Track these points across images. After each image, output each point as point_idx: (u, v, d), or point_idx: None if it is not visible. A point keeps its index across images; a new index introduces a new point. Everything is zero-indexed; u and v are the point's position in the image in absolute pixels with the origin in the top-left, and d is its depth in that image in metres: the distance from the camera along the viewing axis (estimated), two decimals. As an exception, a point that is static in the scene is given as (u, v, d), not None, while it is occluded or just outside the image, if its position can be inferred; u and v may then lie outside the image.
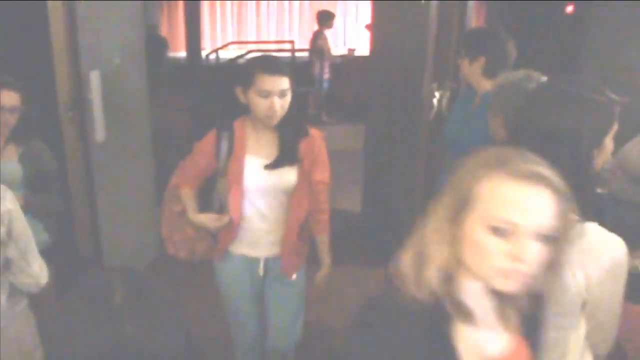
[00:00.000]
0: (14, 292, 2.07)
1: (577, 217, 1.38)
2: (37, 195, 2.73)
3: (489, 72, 2.83)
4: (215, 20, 15.03)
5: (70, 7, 3.64)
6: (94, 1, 3.72)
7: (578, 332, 1.56)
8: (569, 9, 8.58)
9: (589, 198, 1.50)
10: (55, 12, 3.88)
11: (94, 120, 3.81)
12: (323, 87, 8.48)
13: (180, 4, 13.25)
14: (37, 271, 2.05)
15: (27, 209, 2.64)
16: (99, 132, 3.86)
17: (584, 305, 1.51)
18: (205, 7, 14.28)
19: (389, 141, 4.77)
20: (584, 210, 1.43)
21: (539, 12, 9.02)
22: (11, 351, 2.08)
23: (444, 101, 4.23)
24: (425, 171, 4.35)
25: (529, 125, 1.55)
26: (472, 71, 2.87)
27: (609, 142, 1.52)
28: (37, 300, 2.83)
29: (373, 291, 4.29)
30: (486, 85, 2.85)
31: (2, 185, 1.95)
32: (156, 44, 9.61)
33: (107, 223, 4.02)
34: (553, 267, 1.17)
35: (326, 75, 8.42)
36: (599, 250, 1.47)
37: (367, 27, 8.74)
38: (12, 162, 2.71)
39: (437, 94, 4.31)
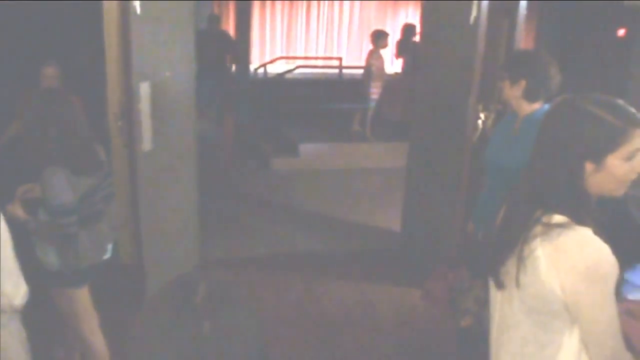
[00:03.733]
0: None
1: (567, 220, 1.53)
2: (52, 220, 2.69)
3: (530, 95, 2.80)
4: (265, 35, 15.24)
5: (124, 21, 3.76)
6: (148, 16, 3.81)
7: (571, 338, 1.60)
8: (621, 32, 8.45)
9: (577, 204, 1.57)
10: (110, 26, 4.02)
11: (142, 130, 3.90)
12: (371, 106, 8.51)
13: (232, 18, 13.52)
14: (9, 291, 1.98)
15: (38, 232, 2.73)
16: (146, 142, 3.95)
17: (566, 307, 1.55)
18: (255, 22, 14.51)
19: (432, 161, 4.75)
20: (574, 214, 1.54)
21: (590, 35, 8.92)
22: None
23: (489, 123, 4.21)
24: (467, 192, 4.32)
25: (540, 132, 1.68)
26: (514, 94, 2.84)
27: (613, 162, 1.55)
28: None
29: (411, 311, 4.27)
30: (527, 108, 2.83)
31: None
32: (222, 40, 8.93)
33: (149, 230, 4.09)
34: None
35: (375, 95, 8.45)
36: (574, 253, 1.51)
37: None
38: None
39: (482, 116, 4.28)
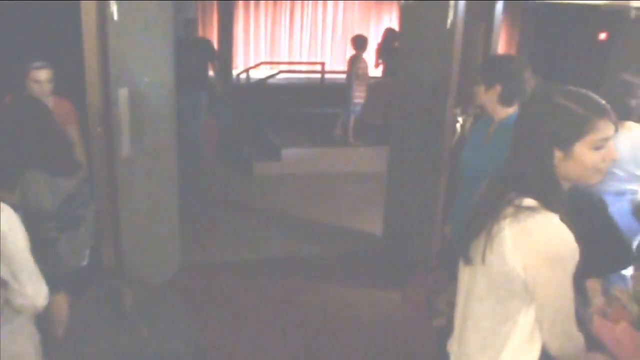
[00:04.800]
0: (9, 309, 2.07)
1: (536, 204, 1.61)
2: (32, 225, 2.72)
3: (505, 100, 2.82)
4: (248, 40, 15.24)
5: (102, 27, 3.75)
6: (126, 22, 3.81)
7: (526, 317, 1.70)
8: (602, 36, 8.55)
9: (546, 191, 1.65)
10: (89, 31, 4.01)
11: (121, 135, 3.90)
12: (355, 110, 8.56)
13: (215, 24, 13.54)
14: (30, 293, 2.04)
15: None
16: (125, 147, 3.94)
17: (526, 287, 1.64)
18: (239, 27, 14.51)
19: (412, 165, 4.78)
20: (544, 199, 1.62)
21: (573, 39, 9.01)
22: None
23: (467, 126, 4.24)
24: (446, 196, 4.35)
25: (515, 124, 1.77)
26: (489, 98, 2.86)
27: (581, 150, 1.63)
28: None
29: (391, 314, 4.28)
30: (502, 113, 2.85)
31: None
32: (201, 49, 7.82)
33: (129, 235, 4.08)
34: None
35: (358, 100, 8.50)
36: (538, 235, 1.59)
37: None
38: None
39: (460, 119, 4.32)
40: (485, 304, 1.75)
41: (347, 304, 4.47)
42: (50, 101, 3.59)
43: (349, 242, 5.71)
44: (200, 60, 7.68)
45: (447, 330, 2.68)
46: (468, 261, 1.79)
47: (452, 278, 2.76)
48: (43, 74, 3.59)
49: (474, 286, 1.79)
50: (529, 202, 1.63)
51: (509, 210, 1.64)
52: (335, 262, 5.25)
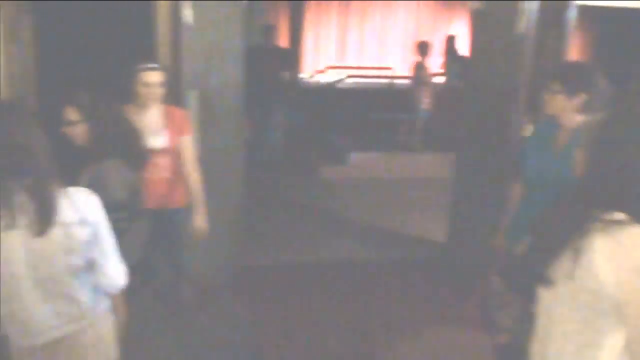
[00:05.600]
0: (97, 293, 2.19)
1: (626, 217, 1.53)
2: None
3: (586, 108, 2.77)
4: (317, 44, 15.35)
5: (175, 31, 3.87)
6: (199, 26, 3.92)
7: (614, 340, 1.58)
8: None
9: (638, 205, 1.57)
10: (161, 35, 4.14)
11: (190, 136, 4.00)
12: (421, 116, 8.54)
13: (284, 28, 13.72)
14: (114, 273, 2.19)
15: None
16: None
17: (617, 307, 1.53)
18: (309, 32, 14.64)
19: (478, 171, 4.71)
20: (635, 215, 1.54)
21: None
22: (90, 353, 2.18)
23: (536, 134, 4.15)
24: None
25: (594, 140, 1.67)
26: (569, 107, 2.79)
27: None
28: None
29: (452, 324, 4.23)
30: (577, 121, 2.79)
31: (86, 190, 2.08)
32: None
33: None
34: None
35: (425, 105, 8.47)
36: (633, 249, 1.51)
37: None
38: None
39: (529, 127, 4.23)
40: (569, 326, 1.66)
41: (407, 311, 4.44)
42: (163, 109, 3.56)
43: (412, 248, 5.68)
44: (278, 68, 7.77)
45: (510, 348, 2.61)
46: (549, 283, 1.71)
47: (509, 290, 2.70)
48: (154, 77, 3.39)
49: (555, 308, 1.71)
50: (618, 215, 1.56)
51: (598, 225, 1.57)
52: (397, 267, 5.23)
